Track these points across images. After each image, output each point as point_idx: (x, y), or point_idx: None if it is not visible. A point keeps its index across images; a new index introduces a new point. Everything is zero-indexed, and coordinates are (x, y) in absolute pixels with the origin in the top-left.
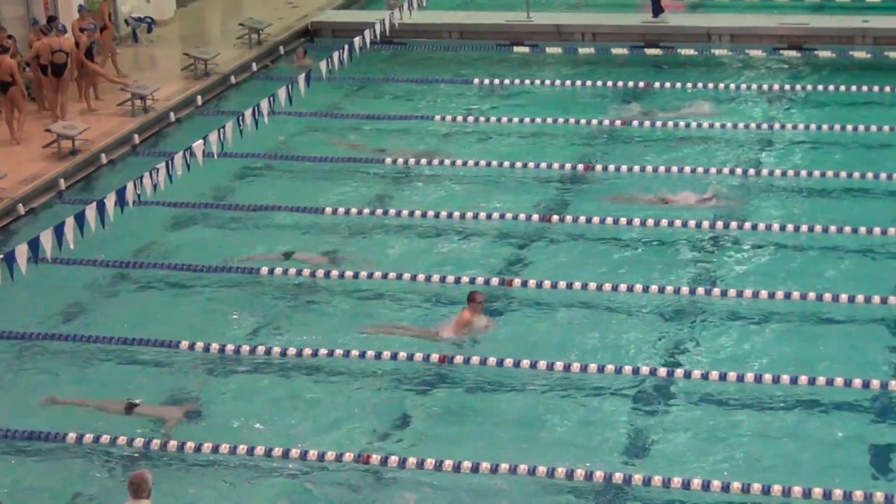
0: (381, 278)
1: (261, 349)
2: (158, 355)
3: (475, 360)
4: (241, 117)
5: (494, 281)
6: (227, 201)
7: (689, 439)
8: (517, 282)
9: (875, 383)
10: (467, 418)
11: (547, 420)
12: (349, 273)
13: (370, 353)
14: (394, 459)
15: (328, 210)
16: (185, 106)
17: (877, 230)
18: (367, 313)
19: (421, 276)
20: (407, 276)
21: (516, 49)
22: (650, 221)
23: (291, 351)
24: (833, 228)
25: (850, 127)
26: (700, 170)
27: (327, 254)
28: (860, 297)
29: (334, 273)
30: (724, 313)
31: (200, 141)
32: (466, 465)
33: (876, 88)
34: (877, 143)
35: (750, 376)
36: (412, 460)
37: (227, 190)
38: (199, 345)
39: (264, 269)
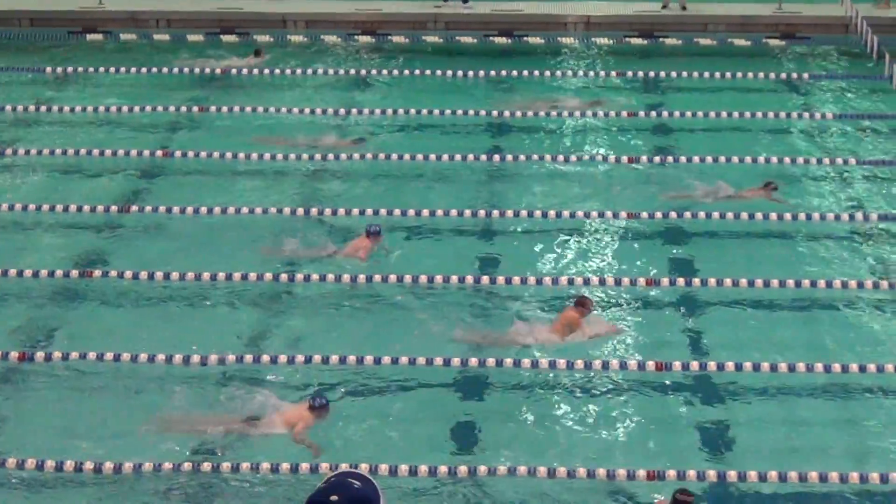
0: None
1: None
2: None
3: None
4: None
5: (74, 273)
6: None
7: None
8: (97, 273)
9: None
10: None
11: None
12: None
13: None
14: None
15: None
16: None
17: (467, 212)
18: None
19: None
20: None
21: (89, 37)
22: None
23: None
24: (412, 212)
25: (424, 111)
26: (280, 156)
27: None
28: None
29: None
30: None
31: None
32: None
33: (449, 73)
34: (451, 126)
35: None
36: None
37: None
38: None
39: None
